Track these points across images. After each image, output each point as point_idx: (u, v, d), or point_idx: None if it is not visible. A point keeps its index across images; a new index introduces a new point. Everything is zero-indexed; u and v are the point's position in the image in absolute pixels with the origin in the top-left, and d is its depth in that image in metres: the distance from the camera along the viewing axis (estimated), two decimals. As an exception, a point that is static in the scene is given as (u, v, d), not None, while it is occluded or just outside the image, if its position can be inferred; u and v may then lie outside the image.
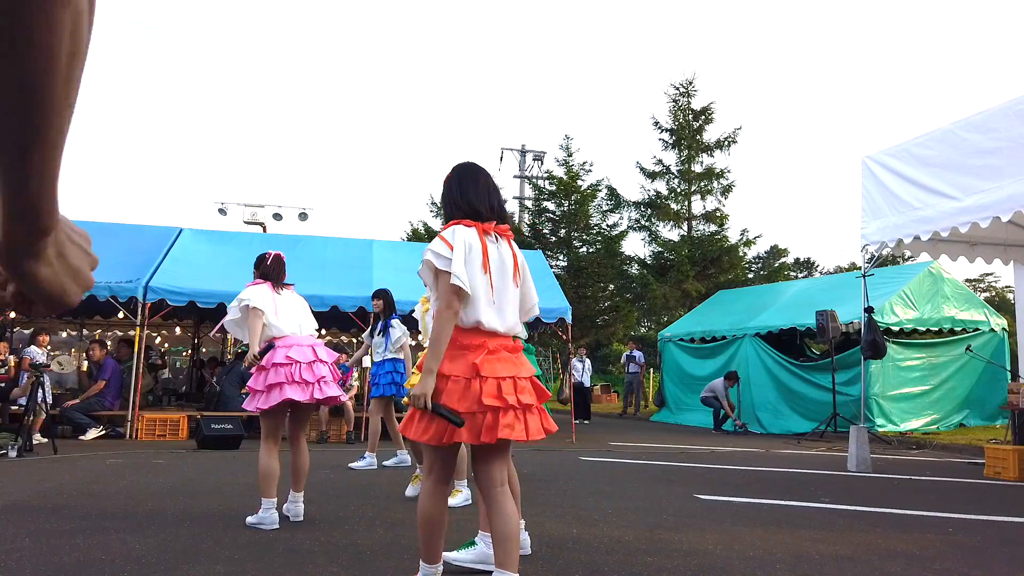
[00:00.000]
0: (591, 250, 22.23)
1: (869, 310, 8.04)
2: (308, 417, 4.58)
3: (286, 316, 4.35)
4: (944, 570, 3.54)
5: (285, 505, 4.40)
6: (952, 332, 12.69)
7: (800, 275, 34.30)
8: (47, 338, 9.60)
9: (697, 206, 21.24)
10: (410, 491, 5.27)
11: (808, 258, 40.32)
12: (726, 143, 20.97)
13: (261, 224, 18.78)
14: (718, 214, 20.95)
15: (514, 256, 2.84)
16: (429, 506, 2.68)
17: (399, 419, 6.99)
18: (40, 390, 8.00)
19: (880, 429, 11.17)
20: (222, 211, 18.86)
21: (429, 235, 24.75)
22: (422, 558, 2.74)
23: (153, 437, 9.70)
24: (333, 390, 4.35)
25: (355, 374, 10.23)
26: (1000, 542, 4.20)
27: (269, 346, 4.24)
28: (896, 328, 12.03)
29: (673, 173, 21.30)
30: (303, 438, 4.48)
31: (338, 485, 5.87)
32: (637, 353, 17.28)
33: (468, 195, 2.81)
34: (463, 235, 2.69)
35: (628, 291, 22.08)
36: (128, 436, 9.61)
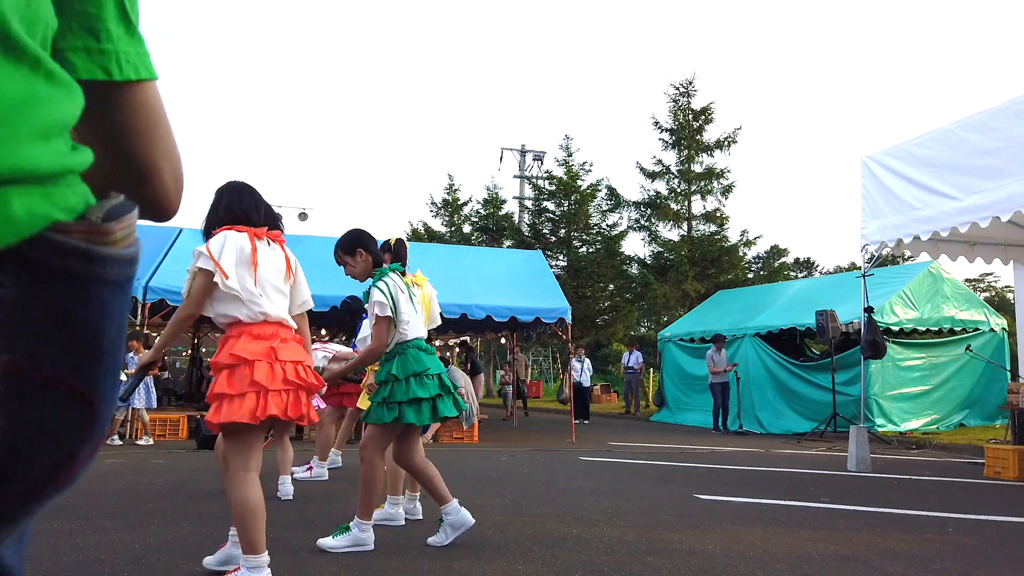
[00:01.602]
0: (591, 250, 22.22)
1: (869, 310, 8.04)
2: (290, 424, 5.23)
3: None
4: (944, 570, 3.54)
5: (281, 488, 5.17)
6: (952, 332, 12.69)
7: (800, 275, 34.28)
8: (140, 344, 9.58)
9: (697, 206, 21.24)
10: (376, 514, 4.36)
11: (808, 258, 40.26)
12: (726, 143, 20.95)
13: (261, 224, 18.76)
14: (718, 214, 20.94)
15: (287, 258, 3.11)
16: (247, 495, 2.83)
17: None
18: None
19: (880, 429, 11.17)
20: (222, 211, 18.82)
21: (429, 235, 24.77)
22: (248, 551, 2.83)
23: (153, 437, 9.69)
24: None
25: None
26: (1000, 542, 4.20)
27: None
28: (896, 328, 12.02)
29: (673, 173, 21.29)
30: (286, 437, 5.56)
31: (337, 486, 5.88)
32: (636, 354, 17.26)
33: (237, 206, 3.05)
34: (233, 240, 2.92)
35: (628, 291, 22.07)
36: (128, 436, 9.60)
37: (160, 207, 0.63)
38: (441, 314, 4.78)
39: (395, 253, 4.43)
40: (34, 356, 0.43)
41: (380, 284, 3.68)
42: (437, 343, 18.63)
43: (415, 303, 3.86)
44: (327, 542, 3.67)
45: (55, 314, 0.43)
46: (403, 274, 4.04)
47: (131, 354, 9.22)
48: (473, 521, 3.76)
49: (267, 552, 2.91)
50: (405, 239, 4.56)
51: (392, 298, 3.65)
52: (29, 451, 0.44)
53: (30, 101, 0.44)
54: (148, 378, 9.33)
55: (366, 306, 3.75)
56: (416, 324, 3.80)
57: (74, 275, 0.44)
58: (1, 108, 0.42)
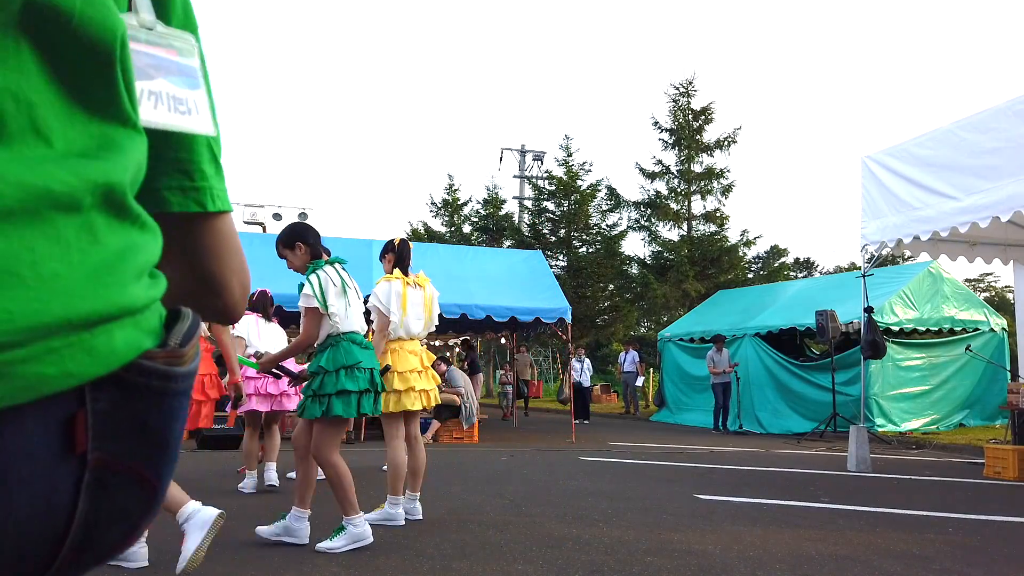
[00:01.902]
0: (591, 250, 22.22)
1: (869, 310, 8.04)
2: (277, 419, 5.97)
3: (266, 341, 5.61)
4: (944, 570, 3.54)
5: (266, 474, 5.62)
6: (952, 332, 12.69)
7: (800, 275, 34.27)
8: None
9: (697, 206, 21.22)
10: (372, 516, 4.34)
11: (808, 258, 40.28)
12: (726, 143, 20.94)
13: (261, 224, 18.73)
14: (718, 214, 20.93)
15: None
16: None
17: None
18: None
19: (880, 429, 11.16)
20: (222, 211, 18.77)
21: (429, 235, 24.77)
22: (175, 508, 3.17)
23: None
24: (293, 403, 5.63)
25: None
26: (1000, 542, 4.20)
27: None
28: (896, 328, 12.02)
29: (673, 173, 21.27)
30: (275, 429, 5.91)
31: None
32: (632, 354, 17.21)
33: None
34: None
35: (628, 291, 22.06)
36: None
37: (228, 314, 0.75)
38: (441, 314, 4.79)
39: (398, 253, 4.45)
40: (117, 454, 0.52)
41: (312, 277, 3.70)
42: (437, 343, 18.64)
43: (349, 296, 3.84)
44: (326, 544, 3.67)
45: (137, 421, 0.53)
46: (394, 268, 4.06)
47: None
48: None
49: (190, 500, 3.20)
50: (408, 239, 4.58)
51: (322, 291, 3.65)
52: (105, 527, 0.53)
53: (131, 249, 0.53)
54: None
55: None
56: (350, 317, 3.80)
57: (154, 391, 0.54)
58: (111, 259, 0.51)
